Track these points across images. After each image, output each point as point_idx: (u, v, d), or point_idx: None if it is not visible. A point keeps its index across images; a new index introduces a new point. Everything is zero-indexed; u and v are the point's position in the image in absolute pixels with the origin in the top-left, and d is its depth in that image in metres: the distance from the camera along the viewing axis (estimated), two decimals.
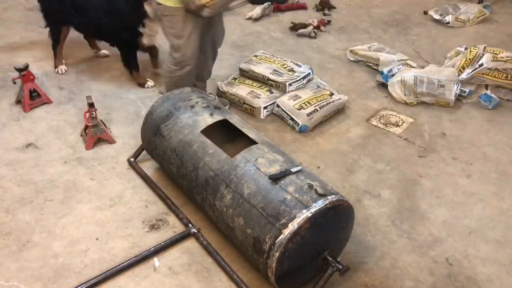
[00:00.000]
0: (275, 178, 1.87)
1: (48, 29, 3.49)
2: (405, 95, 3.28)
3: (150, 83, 3.40)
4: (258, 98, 3.12)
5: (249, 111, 3.13)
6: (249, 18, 4.51)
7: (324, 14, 4.66)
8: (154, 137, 2.37)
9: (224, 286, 2.02)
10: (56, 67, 3.53)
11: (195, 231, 2.22)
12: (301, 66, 3.35)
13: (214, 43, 2.99)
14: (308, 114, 2.97)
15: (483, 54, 3.31)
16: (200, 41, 2.76)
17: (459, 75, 3.28)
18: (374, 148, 2.86)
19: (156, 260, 2.12)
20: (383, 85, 3.43)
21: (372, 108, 3.23)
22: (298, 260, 1.83)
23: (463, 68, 3.31)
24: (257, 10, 4.53)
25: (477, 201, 2.49)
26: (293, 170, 1.91)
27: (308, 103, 3.05)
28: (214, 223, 2.19)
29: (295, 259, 1.80)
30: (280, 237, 1.73)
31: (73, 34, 3.53)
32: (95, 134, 2.75)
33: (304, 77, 3.27)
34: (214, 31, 2.90)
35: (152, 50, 3.43)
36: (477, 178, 2.65)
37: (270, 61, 3.36)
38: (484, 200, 2.50)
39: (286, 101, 3.08)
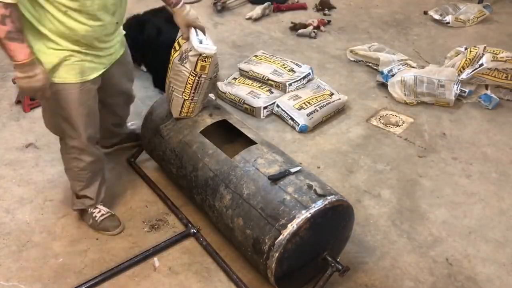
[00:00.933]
0: (274, 179, 1.87)
1: None
2: (405, 95, 3.28)
3: None
4: (258, 98, 3.12)
5: (249, 111, 3.13)
6: (249, 18, 4.50)
7: (324, 14, 4.65)
8: (153, 137, 2.37)
9: (224, 286, 2.02)
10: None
11: (195, 231, 2.22)
12: (301, 66, 3.35)
13: None
14: (308, 114, 2.97)
15: (483, 54, 3.31)
16: None
17: (459, 75, 3.27)
18: (374, 148, 2.86)
19: (156, 260, 2.12)
20: (383, 85, 3.43)
21: (372, 108, 3.23)
22: (297, 261, 1.83)
23: (463, 68, 3.31)
24: (257, 10, 4.52)
25: (477, 201, 2.49)
26: (292, 170, 1.91)
27: (308, 103, 3.05)
28: (214, 224, 2.19)
29: (294, 259, 1.80)
30: (280, 238, 1.73)
31: None
32: None
33: (304, 77, 3.28)
34: None
35: None
36: (477, 178, 2.65)
37: (270, 61, 3.36)
38: (484, 200, 2.50)
39: (286, 101, 3.08)
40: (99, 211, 2.26)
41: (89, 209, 2.27)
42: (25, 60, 1.69)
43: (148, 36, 3.25)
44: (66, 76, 1.85)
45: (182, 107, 2.22)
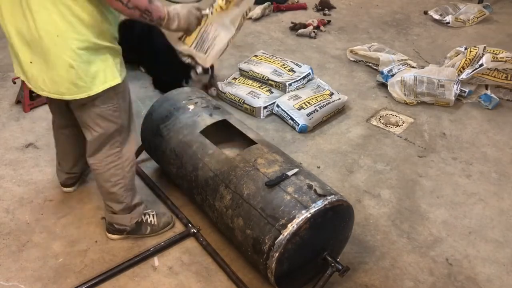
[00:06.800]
0: (272, 184, 1.85)
1: None
2: (405, 95, 3.28)
3: None
4: (258, 98, 3.12)
5: (249, 111, 3.13)
6: (249, 18, 4.50)
7: (324, 14, 4.66)
8: (153, 137, 2.37)
9: (224, 286, 2.02)
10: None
11: (195, 231, 2.22)
12: (301, 66, 3.35)
13: None
14: (308, 114, 2.97)
15: (483, 54, 3.31)
16: None
17: (459, 75, 3.28)
18: (374, 148, 2.86)
19: (156, 260, 2.12)
20: (383, 85, 3.43)
21: (372, 108, 3.23)
22: (297, 261, 1.83)
23: (463, 68, 3.31)
24: (257, 10, 4.53)
25: (477, 201, 2.49)
26: (290, 173, 1.90)
27: (308, 103, 3.05)
28: (214, 224, 2.19)
29: (294, 259, 1.80)
30: (280, 238, 1.73)
31: None
32: None
33: (304, 77, 3.28)
34: None
35: None
36: (477, 178, 2.65)
37: (270, 61, 3.36)
38: (484, 200, 2.50)
39: (286, 101, 3.08)
40: (149, 214, 2.20)
41: (143, 217, 2.17)
42: (166, 12, 1.65)
43: (139, 36, 3.24)
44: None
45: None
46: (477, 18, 4.51)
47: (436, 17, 4.52)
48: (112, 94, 1.80)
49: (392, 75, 3.39)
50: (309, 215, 1.73)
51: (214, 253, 2.12)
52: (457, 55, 3.53)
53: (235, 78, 3.36)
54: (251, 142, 2.13)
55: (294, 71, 3.27)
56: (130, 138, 2.00)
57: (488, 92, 3.29)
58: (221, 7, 1.78)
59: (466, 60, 3.32)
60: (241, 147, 2.19)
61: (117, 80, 1.77)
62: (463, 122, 3.11)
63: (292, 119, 2.99)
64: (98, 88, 1.72)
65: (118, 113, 1.87)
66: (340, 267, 1.85)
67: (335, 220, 1.89)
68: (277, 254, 1.73)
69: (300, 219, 1.72)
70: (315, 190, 1.83)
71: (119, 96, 1.84)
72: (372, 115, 3.16)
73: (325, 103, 3.07)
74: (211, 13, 1.78)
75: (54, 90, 1.72)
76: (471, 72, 3.25)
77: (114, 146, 1.94)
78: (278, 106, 3.09)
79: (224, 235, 2.16)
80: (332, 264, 1.86)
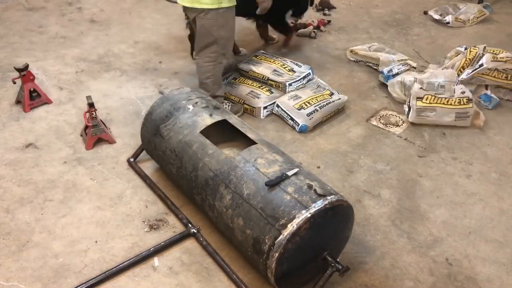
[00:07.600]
0: (272, 184, 1.85)
1: None
2: (405, 95, 3.27)
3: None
4: (258, 98, 3.12)
5: (249, 111, 3.13)
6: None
7: (324, 14, 4.66)
8: (153, 137, 2.38)
9: (224, 286, 2.02)
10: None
11: (195, 231, 2.22)
12: (301, 66, 3.35)
13: None
14: (308, 114, 2.97)
15: (483, 54, 3.31)
16: None
17: (459, 75, 3.27)
18: (374, 148, 2.86)
19: (156, 260, 2.12)
20: (383, 85, 3.43)
21: (372, 108, 3.23)
22: (297, 261, 1.83)
23: (463, 68, 3.31)
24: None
25: (477, 201, 2.49)
26: (290, 173, 1.90)
27: (308, 103, 3.05)
28: (214, 224, 2.19)
29: (294, 259, 1.80)
30: (280, 238, 1.73)
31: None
32: (95, 134, 2.75)
33: (304, 77, 3.28)
34: None
35: None
36: (477, 178, 2.65)
37: (270, 61, 3.36)
38: (484, 200, 2.50)
39: (286, 101, 3.08)
40: (224, 102, 3.06)
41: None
42: None
43: None
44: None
45: None
46: (477, 18, 4.51)
47: (436, 17, 4.52)
48: (217, 14, 2.66)
49: (393, 75, 3.39)
50: (309, 215, 1.73)
51: (214, 253, 2.12)
52: (457, 55, 3.53)
53: (235, 78, 3.36)
54: (251, 142, 2.13)
55: (294, 71, 3.27)
56: (223, 59, 2.89)
57: (488, 92, 3.29)
58: None
59: (466, 60, 3.32)
60: (241, 147, 2.19)
61: (224, 4, 2.64)
62: None
63: (292, 119, 2.99)
64: (207, 5, 2.62)
65: (215, 28, 2.71)
66: (340, 267, 1.85)
67: (335, 220, 1.89)
68: (277, 254, 1.73)
69: (300, 219, 1.72)
70: (315, 190, 1.83)
71: (219, 16, 2.67)
72: (372, 115, 3.16)
73: (325, 103, 3.07)
74: None
75: (190, 2, 2.66)
76: (471, 72, 3.25)
77: (211, 51, 2.80)
78: (278, 106, 3.09)
79: (224, 235, 2.16)
80: (332, 264, 1.86)
